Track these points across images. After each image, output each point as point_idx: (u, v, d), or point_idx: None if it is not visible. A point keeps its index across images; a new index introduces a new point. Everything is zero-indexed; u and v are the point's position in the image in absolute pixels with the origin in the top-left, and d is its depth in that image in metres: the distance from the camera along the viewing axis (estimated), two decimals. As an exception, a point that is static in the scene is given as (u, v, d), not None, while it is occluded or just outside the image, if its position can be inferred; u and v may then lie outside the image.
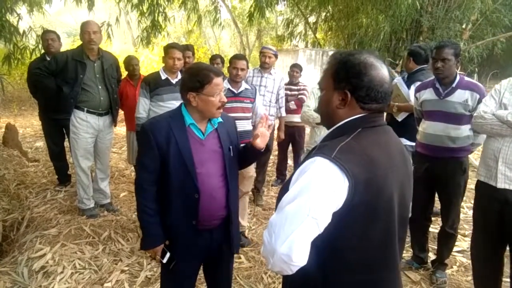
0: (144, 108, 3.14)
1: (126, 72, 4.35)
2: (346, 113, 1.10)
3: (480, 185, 2.30)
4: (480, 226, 2.34)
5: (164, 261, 1.76)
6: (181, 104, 1.78)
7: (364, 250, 1.05)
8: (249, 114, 3.39)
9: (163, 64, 3.26)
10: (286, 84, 4.62)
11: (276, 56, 4.03)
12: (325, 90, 1.16)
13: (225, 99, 1.73)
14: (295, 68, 4.71)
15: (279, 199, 1.09)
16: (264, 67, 3.97)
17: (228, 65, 3.36)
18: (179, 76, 3.21)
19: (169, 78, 3.18)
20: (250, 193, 3.92)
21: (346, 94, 1.08)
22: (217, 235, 1.80)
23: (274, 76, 4.02)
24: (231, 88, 3.29)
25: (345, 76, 1.08)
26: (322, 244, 1.00)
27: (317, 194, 0.95)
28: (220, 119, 1.79)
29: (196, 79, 1.66)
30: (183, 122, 1.71)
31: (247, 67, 3.37)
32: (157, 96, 3.13)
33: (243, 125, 3.26)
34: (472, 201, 4.30)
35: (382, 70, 1.08)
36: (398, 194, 1.08)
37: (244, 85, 3.35)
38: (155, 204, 1.72)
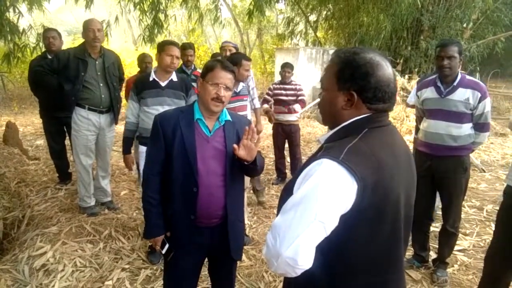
0: (133, 112, 2.90)
1: (139, 69, 4.33)
2: (352, 113, 1.06)
3: (508, 190, 2.23)
4: (503, 228, 2.24)
5: (163, 251, 1.80)
6: (195, 100, 1.83)
7: (370, 252, 1.02)
8: (245, 112, 3.41)
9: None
10: (278, 84, 4.80)
11: (236, 48, 4.01)
12: (328, 89, 1.10)
13: (222, 94, 1.71)
14: (286, 68, 4.76)
15: (281, 199, 1.06)
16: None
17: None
18: (173, 77, 2.93)
19: (158, 80, 2.86)
20: (251, 190, 3.92)
21: (352, 95, 1.04)
22: (216, 234, 1.80)
23: None
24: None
25: (350, 77, 1.03)
26: (328, 247, 0.97)
27: (325, 197, 0.92)
28: (228, 118, 1.81)
29: (206, 66, 1.79)
30: (192, 117, 1.76)
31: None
32: (142, 100, 2.85)
33: None
34: (473, 200, 4.35)
35: (388, 70, 1.04)
36: (404, 195, 1.05)
37: (241, 83, 3.37)
38: (158, 195, 1.77)
